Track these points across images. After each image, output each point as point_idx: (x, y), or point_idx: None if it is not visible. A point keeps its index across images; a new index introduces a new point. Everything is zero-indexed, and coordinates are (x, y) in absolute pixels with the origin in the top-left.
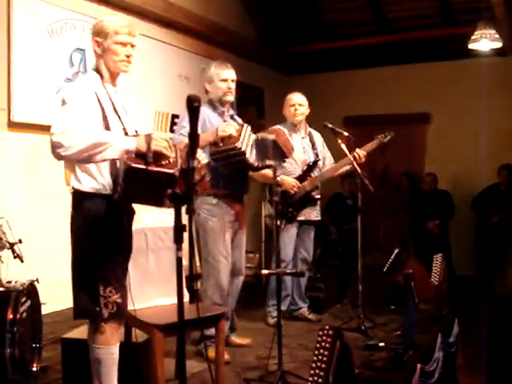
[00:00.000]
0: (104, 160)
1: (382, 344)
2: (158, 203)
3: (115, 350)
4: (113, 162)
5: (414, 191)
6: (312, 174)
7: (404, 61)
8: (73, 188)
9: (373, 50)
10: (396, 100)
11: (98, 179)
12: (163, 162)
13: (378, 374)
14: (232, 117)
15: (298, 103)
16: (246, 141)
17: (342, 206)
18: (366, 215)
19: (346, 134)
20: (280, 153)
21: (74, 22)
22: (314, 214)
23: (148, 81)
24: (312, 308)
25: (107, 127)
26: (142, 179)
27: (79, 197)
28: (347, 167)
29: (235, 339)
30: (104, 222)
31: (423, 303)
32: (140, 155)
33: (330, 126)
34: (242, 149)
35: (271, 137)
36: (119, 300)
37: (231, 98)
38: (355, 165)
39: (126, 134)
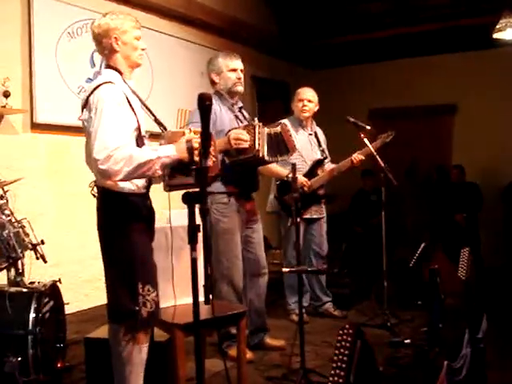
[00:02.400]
0: (153, 176)
1: (407, 341)
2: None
3: (146, 349)
4: None
5: (442, 184)
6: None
7: (428, 52)
8: (104, 188)
9: (397, 41)
10: (421, 91)
11: (133, 181)
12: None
13: (403, 372)
14: (240, 109)
15: (306, 99)
16: (262, 143)
17: (366, 202)
18: (391, 210)
19: (368, 127)
20: (284, 147)
21: None
22: (319, 211)
23: (170, 79)
24: (338, 304)
25: (139, 128)
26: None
27: (112, 196)
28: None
29: (269, 341)
30: (139, 220)
31: (450, 298)
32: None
33: (352, 120)
34: (261, 155)
35: (277, 129)
36: (156, 298)
37: (241, 88)
38: (373, 157)
39: (158, 124)
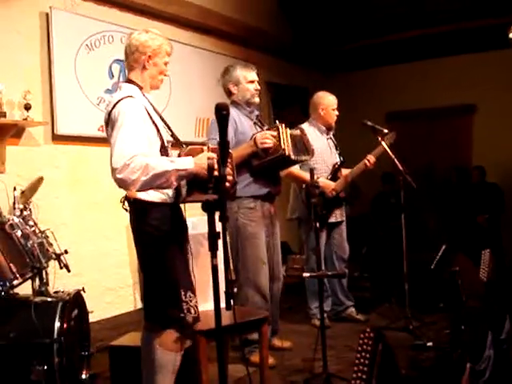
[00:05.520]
0: (170, 187)
1: (429, 343)
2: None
3: (180, 357)
4: None
5: (463, 185)
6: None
7: (444, 53)
8: (135, 199)
9: (413, 43)
10: (439, 93)
11: (163, 191)
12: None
13: (426, 375)
14: (257, 117)
15: (337, 107)
16: (287, 142)
17: (386, 205)
18: (411, 212)
19: (386, 131)
20: (305, 149)
21: (112, 34)
22: (342, 214)
23: (188, 88)
24: (358, 308)
25: (162, 139)
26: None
27: (145, 207)
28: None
29: (277, 342)
30: (174, 228)
31: (472, 300)
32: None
33: (369, 123)
34: (287, 153)
35: (298, 132)
36: (197, 304)
37: (258, 99)
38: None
39: (175, 139)
